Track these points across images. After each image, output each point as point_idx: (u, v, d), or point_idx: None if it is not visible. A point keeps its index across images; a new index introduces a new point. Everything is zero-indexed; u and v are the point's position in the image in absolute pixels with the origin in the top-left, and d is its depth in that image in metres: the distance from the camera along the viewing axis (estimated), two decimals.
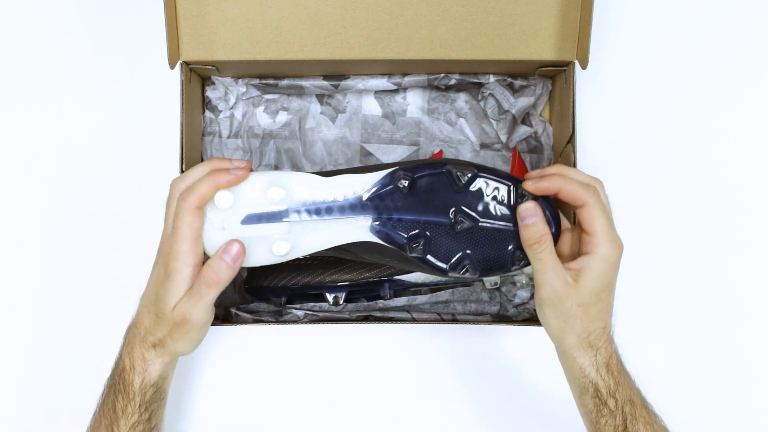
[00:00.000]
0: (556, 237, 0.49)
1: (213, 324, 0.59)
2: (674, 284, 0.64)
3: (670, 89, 0.64)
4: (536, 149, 0.63)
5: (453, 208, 0.48)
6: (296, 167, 0.63)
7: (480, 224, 0.49)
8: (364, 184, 0.48)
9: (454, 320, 0.61)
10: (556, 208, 0.50)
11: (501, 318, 0.62)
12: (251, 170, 0.48)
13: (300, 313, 0.61)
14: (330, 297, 0.57)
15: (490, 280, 0.59)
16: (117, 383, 0.50)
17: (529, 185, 0.49)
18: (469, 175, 0.48)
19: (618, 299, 0.64)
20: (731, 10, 0.64)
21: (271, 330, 0.62)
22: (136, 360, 0.50)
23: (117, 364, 0.51)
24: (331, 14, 0.56)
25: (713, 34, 0.64)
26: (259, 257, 0.48)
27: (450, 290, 0.61)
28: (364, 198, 0.48)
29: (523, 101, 0.62)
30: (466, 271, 0.49)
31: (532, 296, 0.61)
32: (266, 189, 0.48)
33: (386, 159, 0.63)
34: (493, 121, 0.62)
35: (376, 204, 0.48)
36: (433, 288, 0.61)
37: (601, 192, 0.49)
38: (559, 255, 0.49)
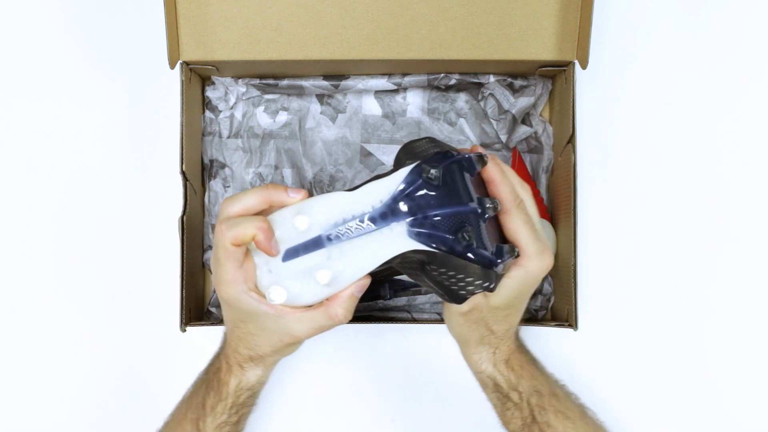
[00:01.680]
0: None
1: (212, 324, 0.59)
2: (674, 284, 0.64)
3: (669, 89, 0.64)
4: (536, 149, 0.63)
5: (476, 195, 0.44)
6: (296, 167, 0.63)
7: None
8: (389, 188, 0.44)
9: None
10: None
11: None
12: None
13: None
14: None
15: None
16: (211, 380, 0.50)
17: (477, 151, 0.46)
18: (485, 159, 0.46)
19: (617, 298, 0.64)
20: (731, 10, 0.64)
21: None
22: (233, 365, 0.49)
23: (213, 362, 0.51)
24: (331, 14, 0.56)
25: (713, 33, 0.64)
26: (310, 292, 0.45)
27: None
28: (393, 201, 0.43)
29: (523, 101, 0.62)
30: (510, 256, 0.44)
31: (533, 295, 0.61)
32: (293, 220, 0.45)
33: (386, 159, 0.63)
34: (493, 121, 0.62)
35: (408, 205, 0.43)
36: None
37: (527, 200, 0.47)
38: None
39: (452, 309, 0.48)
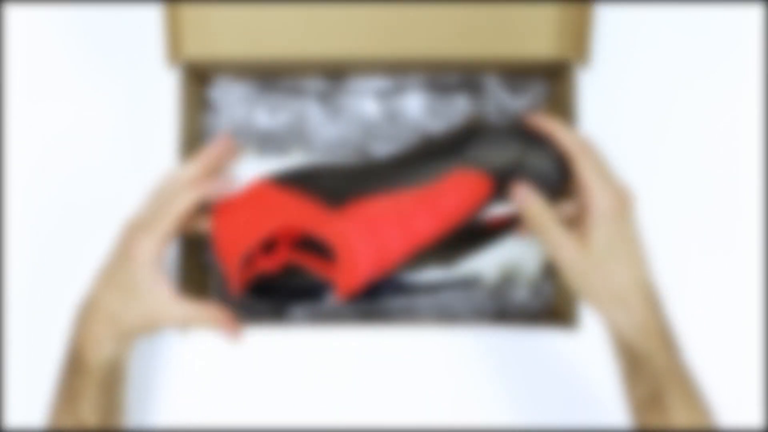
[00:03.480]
0: (557, 187, 0.51)
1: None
2: (676, 284, 0.64)
3: (671, 88, 0.64)
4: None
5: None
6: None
7: None
8: None
9: (454, 320, 0.61)
10: (555, 160, 0.51)
11: (501, 318, 0.62)
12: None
13: (299, 312, 0.61)
14: (329, 296, 0.57)
15: (492, 277, 0.59)
16: (73, 363, 0.50)
17: (529, 120, 0.51)
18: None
19: None
20: (732, 10, 0.64)
21: (270, 330, 0.62)
22: (93, 337, 0.50)
23: (70, 344, 0.51)
24: (331, 14, 0.56)
25: (715, 32, 0.64)
26: None
27: (450, 291, 0.61)
28: None
29: (524, 101, 0.62)
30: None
31: (539, 292, 0.61)
32: None
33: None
34: (493, 121, 0.63)
35: None
36: (433, 288, 0.61)
37: (594, 149, 0.49)
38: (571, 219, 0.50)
39: (563, 275, 0.49)
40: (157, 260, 0.50)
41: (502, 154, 0.51)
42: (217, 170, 0.55)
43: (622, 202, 0.48)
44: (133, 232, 0.50)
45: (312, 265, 0.54)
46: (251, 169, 0.54)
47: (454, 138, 0.53)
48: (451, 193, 0.51)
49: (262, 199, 0.52)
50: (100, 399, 0.50)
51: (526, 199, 0.50)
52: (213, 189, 0.52)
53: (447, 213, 0.51)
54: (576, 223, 0.50)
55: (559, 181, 0.51)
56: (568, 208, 0.51)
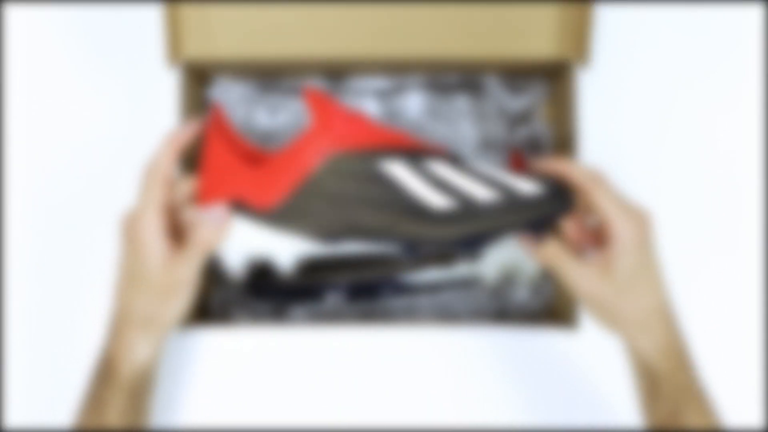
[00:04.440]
0: (562, 214, 0.51)
1: (212, 325, 0.59)
2: (677, 284, 0.64)
3: (672, 88, 0.64)
4: (536, 149, 0.63)
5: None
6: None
7: None
8: None
9: (454, 320, 0.61)
10: (562, 190, 0.51)
11: (501, 318, 0.62)
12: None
13: (299, 312, 0.61)
14: (329, 296, 0.57)
15: (492, 277, 0.59)
16: (103, 373, 0.51)
17: (537, 166, 0.52)
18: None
19: None
20: (732, 10, 0.64)
21: (269, 330, 0.62)
22: (124, 346, 0.50)
23: (101, 354, 0.51)
24: (331, 14, 0.56)
25: (715, 32, 0.64)
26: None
27: (450, 290, 0.61)
28: None
29: (524, 101, 0.62)
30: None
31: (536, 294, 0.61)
32: None
33: None
34: (493, 121, 0.62)
35: None
36: (433, 288, 0.61)
37: (605, 177, 0.50)
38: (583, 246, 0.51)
39: (583, 307, 0.50)
40: (163, 232, 0.49)
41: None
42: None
43: (644, 228, 0.48)
44: (130, 221, 0.51)
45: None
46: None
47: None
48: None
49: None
50: (128, 408, 0.50)
51: (538, 251, 0.51)
52: (183, 133, 0.51)
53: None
54: (594, 246, 0.50)
55: (559, 212, 0.51)
56: (572, 229, 0.52)
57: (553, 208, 0.50)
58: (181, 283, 0.50)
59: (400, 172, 0.50)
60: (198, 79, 0.61)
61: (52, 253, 0.63)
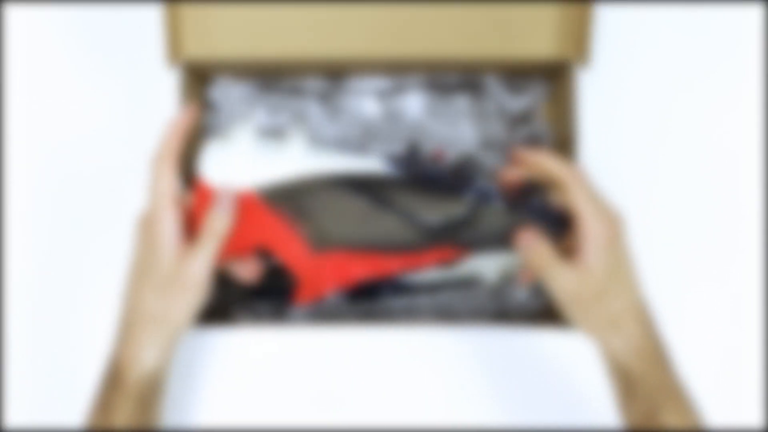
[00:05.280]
0: (556, 230, 0.51)
1: (212, 325, 0.59)
2: (677, 285, 0.64)
3: (672, 88, 0.64)
4: (537, 149, 0.63)
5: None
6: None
7: None
8: None
9: (454, 320, 0.61)
10: (548, 209, 0.52)
11: (501, 318, 0.62)
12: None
13: (299, 312, 0.61)
14: (329, 296, 0.57)
15: (492, 277, 0.59)
16: (111, 377, 0.50)
17: (508, 173, 0.53)
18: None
19: None
20: (732, 10, 0.64)
21: (269, 330, 0.62)
22: (134, 350, 0.49)
23: (110, 358, 0.51)
24: (331, 14, 0.56)
25: (715, 32, 0.64)
26: None
27: (450, 290, 0.61)
28: None
29: (524, 101, 0.62)
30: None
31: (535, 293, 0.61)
32: None
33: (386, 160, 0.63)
34: (493, 121, 0.62)
35: None
36: (433, 288, 0.61)
37: (582, 174, 0.50)
38: (567, 250, 0.51)
39: (562, 308, 0.49)
40: (177, 224, 0.49)
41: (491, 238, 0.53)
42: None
43: (614, 228, 0.49)
44: (147, 217, 0.50)
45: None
46: (246, 160, 0.53)
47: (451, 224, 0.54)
48: (428, 258, 0.54)
49: (248, 214, 0.52)
50: (136, 414, 0.50)
51: (529, 246, 0.51)
52: (184, 119, 0.51)
53: (417, 265, 0.54)
54: (571, 252, 0.50)
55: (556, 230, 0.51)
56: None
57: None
58: (193, 279, 0.49)
59: None
60: (198, 79, 0.61)
61: (52, 253, 0.63)
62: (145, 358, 0.50)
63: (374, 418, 0.63)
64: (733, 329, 0.64)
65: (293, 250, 0.53)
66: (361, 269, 0.54)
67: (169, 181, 0.50)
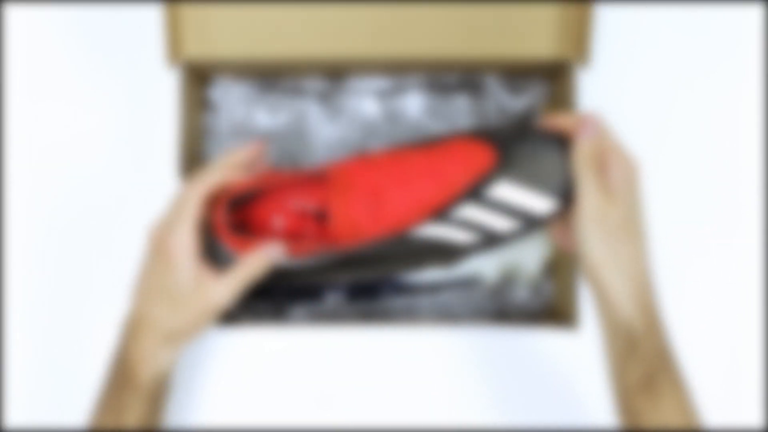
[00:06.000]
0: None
1: (212, 325, 0.59)
2: (677, 285, 0.64)
3: (671, 88, 0.64)
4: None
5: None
6: (296, 167, 0.63)
7: None
8: None
9: (454, 320, 0.61)
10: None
11: (501, 318, 0.62)
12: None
13: (299, 312, 0.61)
14: (329, 296, 0.57)
15: (492, 277, 0.59)
16: (120, 376, 0.50)
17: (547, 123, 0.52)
18: None
19: None
20: (732, 10, 0.64)
21: (269, 330, 0.62)
22: (145, 353, 0.49)
23: (117, 356, 0.51)
24: (331, 14, 0.56)
25: (715, 32, 0.64)
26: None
27: (450, 290, 0.61)
28: None
29: (524, 101, 0.62)
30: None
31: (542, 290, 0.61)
32: None
33: None
34: (493, 121, 0.62)
35: None
36: (433, 288, 0.61)
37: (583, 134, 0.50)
38: None
39: (584, 221, 0.48)
40: (196, 250, 0.49)
41: (508, 128, 0.51)
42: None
43: (636, 172, 0.49)
44: (163, 233, 0.50)
45: (309, 232, 0.54)
46: None
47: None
48: (456, 159, 0.50)
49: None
50: (147, 411, 0.50)
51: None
52: (234, 175, 0.51)
53: (450, 180, 0.50)
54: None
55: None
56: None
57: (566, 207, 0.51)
58: (215, 304, 0.49)
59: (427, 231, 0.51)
60: (198, 79, 0.61)
61: (52, 253, 0.63)
62: (159, 363, 0.50)
63: (374, 418, 0.63)
64: (733, 329, 0.64)
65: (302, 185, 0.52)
66: (396, 192, 0.51)
67: (197, 206, 0.49)
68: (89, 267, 0.63)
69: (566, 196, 0.50)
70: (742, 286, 0.64)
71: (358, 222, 0.50)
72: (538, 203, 0.50)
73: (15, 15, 0.64)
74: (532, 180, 0.49)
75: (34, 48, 0.64)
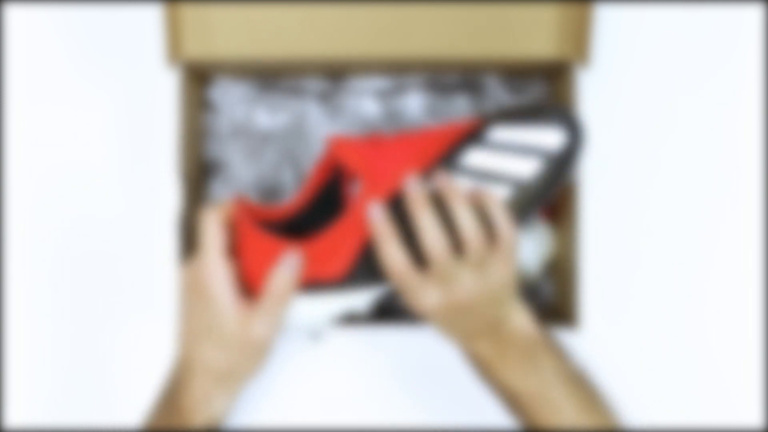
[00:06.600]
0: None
1: None
2: (677, 285, 0.64)
3: (671, 88, 0.64)
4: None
5: None
6: (296, 167, 0.63)
7: None
8: None
9: None
10: (573, 119, 0.50)
11: None
12: None
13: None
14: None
15: None
16: (173, 424, 0.48)
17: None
18: None
19: (619, 300, 0.64)
20: (732, 10, 0.64)
21: None
22: (197, 399, 0.47)
23: (169, 396, 0.49)
24: (331, 14, 0.56)
25: (715, 32, 0.64)
26: None
27: None
28: None
29: (524, 101, 0.62)
30: None
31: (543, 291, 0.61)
32: None
33: None
34: None
35: None
36: None
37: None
38: None
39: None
40: (230, 281, 0.47)
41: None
42: None
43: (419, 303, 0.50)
44: (192, 269, 0.48)
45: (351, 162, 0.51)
46: None
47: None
48: (448, 125, 0.51)
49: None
50: None
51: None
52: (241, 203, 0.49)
53: (444, 133, 0.50)
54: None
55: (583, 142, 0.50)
56: None
57: (580, 142, 0.50)
58: (260, 341, 0.47)
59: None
60: (198, 79, 0.61)
61: (52, 253, 0.63)
62: (214, 409, 0.48)
63: (374, 417, 0.63)
64: (733, 329, 0.64)
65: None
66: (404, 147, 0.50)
67: (216, 233, 0.47)
68: (89, 267, 0.63)
69: (572, 124, 0.49)
70: (742, 286, 0.64)
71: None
72: (546, 137, 0.49)
73: (15, 15, 0.64)
74: (529, 118, 0.50)
75: (34, 48, 0.64)
